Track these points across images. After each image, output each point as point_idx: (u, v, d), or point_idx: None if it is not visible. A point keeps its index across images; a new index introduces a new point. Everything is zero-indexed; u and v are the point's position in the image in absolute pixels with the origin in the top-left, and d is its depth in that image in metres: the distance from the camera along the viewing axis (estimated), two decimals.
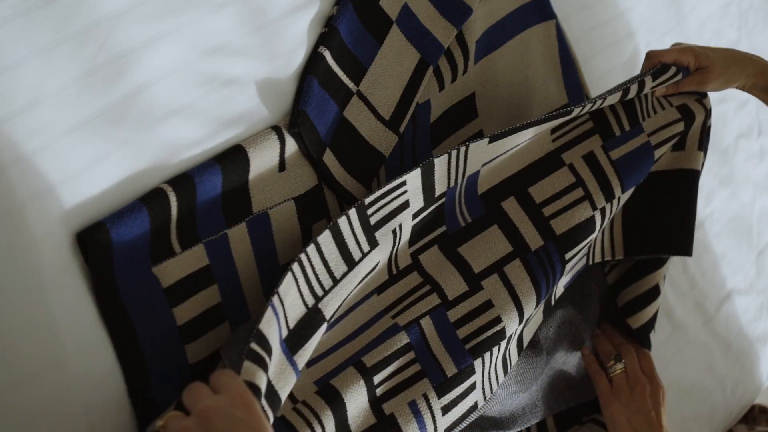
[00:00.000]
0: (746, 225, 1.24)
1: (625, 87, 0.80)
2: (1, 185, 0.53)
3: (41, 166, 0.55)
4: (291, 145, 0.68)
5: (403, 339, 0.71)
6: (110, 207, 0.59)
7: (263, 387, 0.56)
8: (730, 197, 1.21)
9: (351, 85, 0.72)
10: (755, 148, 1.27)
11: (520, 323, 0.76)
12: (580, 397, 0.90)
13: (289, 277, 0.60)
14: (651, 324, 0.91)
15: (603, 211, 0.81)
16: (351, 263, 0.66)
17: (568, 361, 0.89)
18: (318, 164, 0.70)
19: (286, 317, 0.61)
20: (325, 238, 0.64)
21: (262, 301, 0.68)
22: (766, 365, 1.26)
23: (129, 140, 0.59)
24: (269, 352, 0.57)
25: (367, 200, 0.66)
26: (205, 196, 0.63)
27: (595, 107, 0.80)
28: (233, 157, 0.64)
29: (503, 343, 0.75)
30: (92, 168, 0.57)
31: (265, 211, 0.67)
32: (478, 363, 0.73)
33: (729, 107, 1.21)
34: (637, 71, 1.04)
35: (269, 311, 0.58)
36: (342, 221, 0.65)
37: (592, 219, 0.80)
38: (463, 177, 0.75)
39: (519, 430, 0.84)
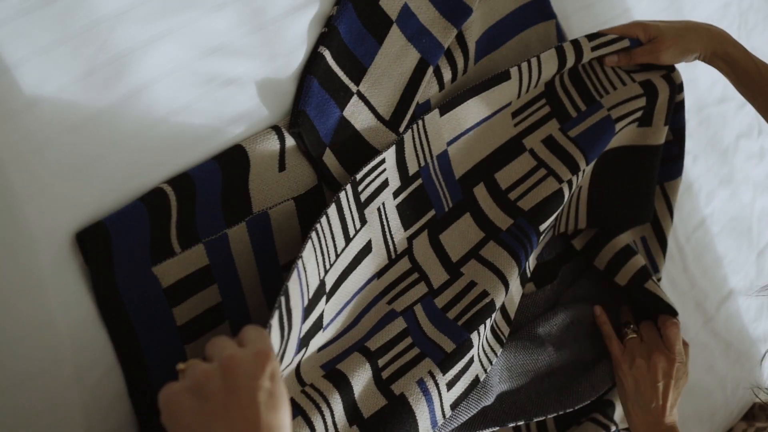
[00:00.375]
0: (746, 225, 1.24)
1: (558, 45, 0.84)
2: (0, 185, 0.53)
3: (41, 166, 0.55)
4: (291, 145, 0.68)
5: (401, 324, 0.73)
6: (110, 207, 0.59)
7: (280, 345, 0.56)
8: (730, 197, 1.21)
9: (351, 85, 0.72)
10: (755, 148, 1.27)
11: (506, 294, 0.78)
12: (595, 390, 0.89)
13: (309, 246, 0.61)
14: (643, 274, 0.90)
15: (570, 183, 0.84)
16: (347, 239, 0.68)
17: (579, 358, 0.89)
18: (318, 164, 0.70)
19: (308, 285, 0.62)
20: (332, 211, 0.65)
21: (262, 301, 0.68)
22: (766, 365, 1.26)
23: (129, 140, 0.59)
24: (290, 313, 0.58)
25: (358, 176, 0.68)
26: (205, 195, 0.63)
27: (532, 67, 0.82)
28: (233, 157, 0.64)
29: (493, 315, 0.77)
30: (92, 168, 0.57)
31: (265, 211, 0.67)
32: (474, 336, 0.74)
33: (729, 107, 1.21)
34: None
35: (295, 273, 0.58)
36: (342, 196, 0.67)
37: (560, 191, 0.83)
38: (431, 156, 0.77)
39: (520, 423, 0.84)
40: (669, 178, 0.99)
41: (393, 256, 0.75)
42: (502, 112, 0.84)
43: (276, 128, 0.67)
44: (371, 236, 0.72)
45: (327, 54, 0.70)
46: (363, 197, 0.70)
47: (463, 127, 0.80)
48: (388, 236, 0.74)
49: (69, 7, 0.55)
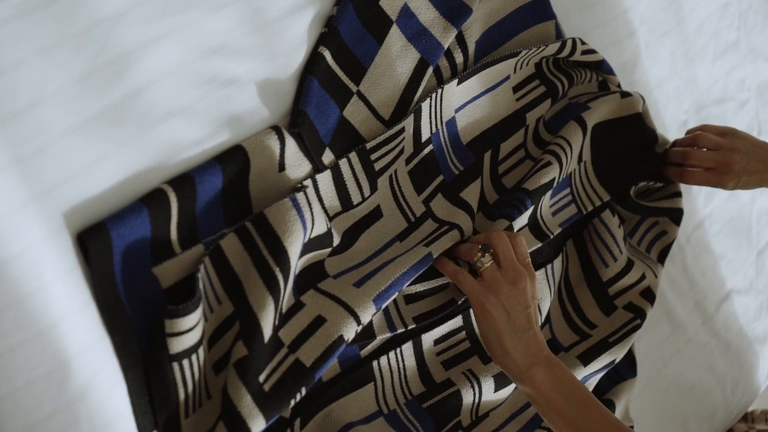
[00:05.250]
0: (745, 225, 1.25)
1: (563, 40, 0.87)
2: (1, 186, 0.53)
3: (42, 167, 0.55)
4: (291, 145, 0.68)
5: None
6: (110, 207, 0.59)
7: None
8: (730, 197, 1.21)
9: (351, 85, 0.72)
10: None
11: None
12: None
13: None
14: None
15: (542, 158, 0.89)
16: (348, 206, 0.72)
17: None
18: (318, 164, 0.70)
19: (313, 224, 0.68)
20: (324, 177, 0.69)
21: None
22: (765, 365, 1.26)
23: (129, 140, 0.59)
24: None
25: (369, 145, 0.72)
26: (206, 196, 0.63)
27: (540, 50, 0.85)
28: (233, 157, 0.64)
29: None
30: (93, 168, 0.57)
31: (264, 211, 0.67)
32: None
33: (729, 107, 1.21)
34: (635, 71, 1.05)
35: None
36: (342, 163, 0.70)
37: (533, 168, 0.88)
38: (441, 123, 0.79)
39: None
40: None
41: (413, 219, 0.77)
42: (503, 85, 0.85)
43: (276, 128, 0.67)
44: (380, 202, 0.74)
45: (327, 54, 0.70)
46: (378, 166, 0.73)
47: (470, 95, 0.82)
48: (402, 201, 0.77)
49: (69, 7, 0.55)
